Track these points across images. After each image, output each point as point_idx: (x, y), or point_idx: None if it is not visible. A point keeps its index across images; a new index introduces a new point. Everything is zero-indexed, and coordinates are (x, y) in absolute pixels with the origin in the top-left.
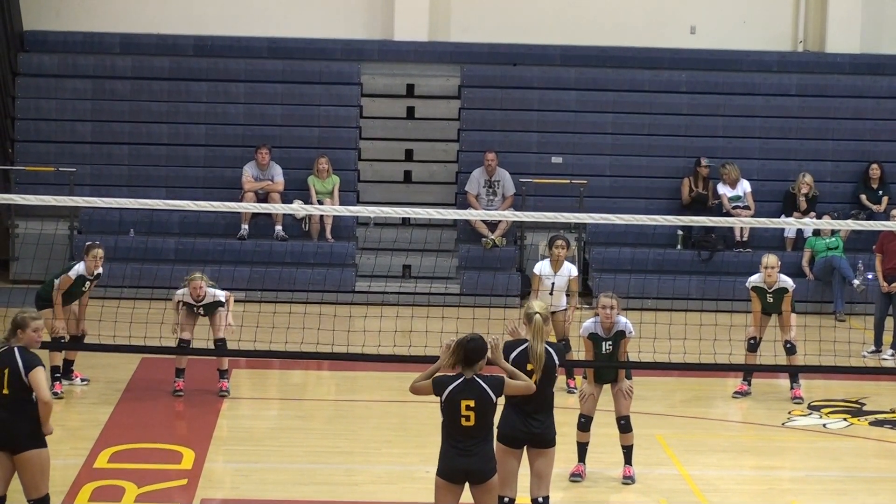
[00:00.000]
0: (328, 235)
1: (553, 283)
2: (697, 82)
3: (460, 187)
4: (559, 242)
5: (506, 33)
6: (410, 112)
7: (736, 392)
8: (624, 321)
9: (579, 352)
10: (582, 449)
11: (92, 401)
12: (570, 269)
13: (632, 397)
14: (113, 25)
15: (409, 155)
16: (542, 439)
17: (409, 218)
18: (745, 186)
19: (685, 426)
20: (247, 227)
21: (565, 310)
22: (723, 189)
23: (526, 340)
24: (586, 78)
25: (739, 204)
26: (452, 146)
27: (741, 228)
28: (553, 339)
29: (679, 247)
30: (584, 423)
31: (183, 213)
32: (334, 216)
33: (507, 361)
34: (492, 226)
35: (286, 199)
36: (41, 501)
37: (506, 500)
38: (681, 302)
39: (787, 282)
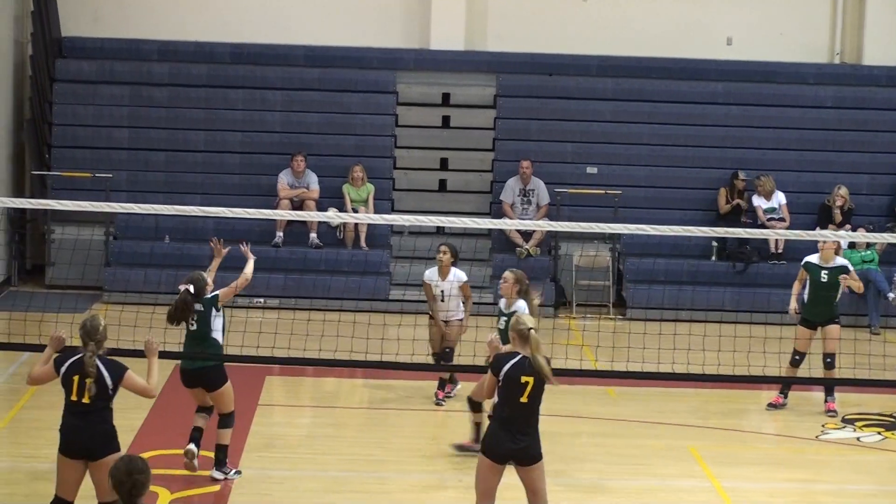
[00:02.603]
0: (363, 243)
1: (442, 291)
2: (734, 94)
3: (495, 196)
4: (442, 248)
5: (542, 43)
6: (446, 121)
7: (770, 404)
8: (523, 304)
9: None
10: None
11: (126, 406)
12: (457, 275)
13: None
14: (151, 32)
15: (444, 164)
16: (529, 454)
17: (443, 227)
18: (780, 198)
19: (718, 438)
20: (282, 234)
21: (460, 319)
22: (758, 201)
23: (517, 353)
24: (622, 88)
25: (774, 216)
26: (487, 155)
27: (776, 241)
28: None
29: (714, 258)
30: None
31: (218, 219)
32: (369, 224)
33: (501, 373)
34: (526, 235)
35: (321, 207)
36: None
37: None
38: (715, 313)
39: (846, 262)
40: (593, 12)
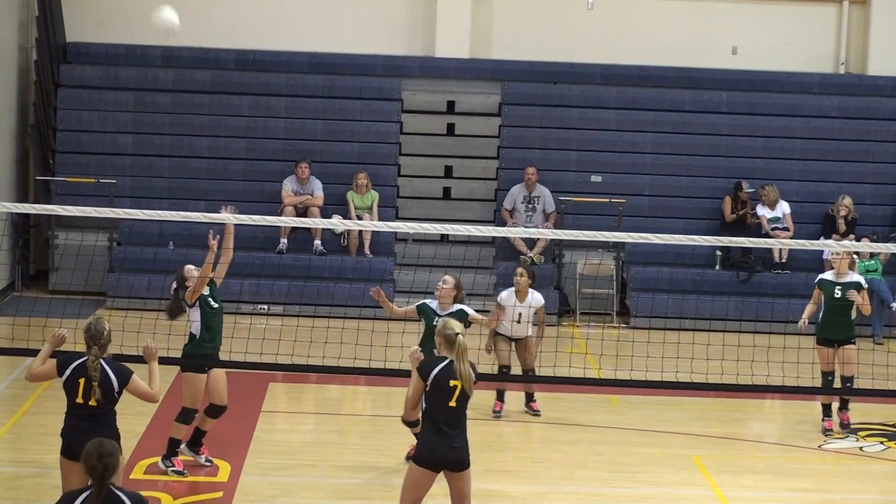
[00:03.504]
0: (367, 251)
1: (520, 314)
2: (738, 103)
3: (499, 205)
4: (519, 270)
5: (547, 51)
6: (451, 129)
7: (826, 429)
8: (463, 305)
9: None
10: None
11: (129, 412)
12: (535, 298)
13: None
14: (155, 38)
15: (448, 171)
16: (462, 462)
17: (447, 234)
18: (784, 208)
19: (721, 447)
20: (286, 241)
21: (530, 335)
22: (762, 210)
23: (445, 358)
24: (626, 97)
25: (778, 225)
26: (492, 163)
27: (780, 250)
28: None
29: (717, 267)
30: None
31: (222, 225)
32: (373, 231)
33: (429, 377)
34: (530, 243)
35: (325, 214)
36: None
37: None
38: (718, 322)
39: (860, 278)
40: (598, 21)
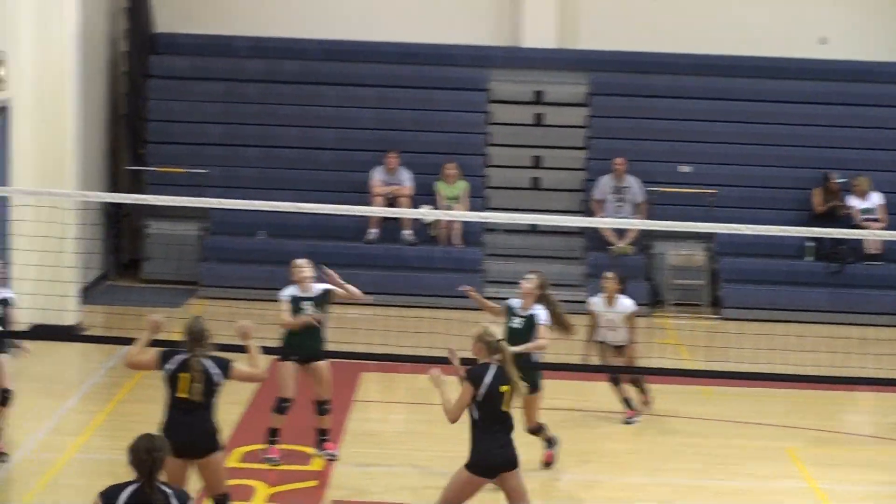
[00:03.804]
0: (456, 241)
1: (611, 319)
2: (828, 92)
3: (588, 195)
4: (608, 274)
5: (635, 41)
6: (538, 119)
7: None
8: (541, 308)
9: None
10: None
11: (225, 401)
12: (624, 304)
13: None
14: (244, 29)
15: (536, 162)
16: (515, 461)
17: (536, 224)
18: (876, 199)
19: (815, 439)
20: (375, 231)
21: (632, 344)
22: (853, 201)
23: (489, 364)
24: (716, 87)
25: (870, 216)
26: (580, 153)
27: (872, 241)
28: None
29: (809, 258)
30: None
31: (312, 216)
32: (462, 222)
33: (482, 386)
34: (620, 233)
35: (414, 204)
36: (225, 498)
37: None
38: (811, 314)
39: None
40: (686, 10)
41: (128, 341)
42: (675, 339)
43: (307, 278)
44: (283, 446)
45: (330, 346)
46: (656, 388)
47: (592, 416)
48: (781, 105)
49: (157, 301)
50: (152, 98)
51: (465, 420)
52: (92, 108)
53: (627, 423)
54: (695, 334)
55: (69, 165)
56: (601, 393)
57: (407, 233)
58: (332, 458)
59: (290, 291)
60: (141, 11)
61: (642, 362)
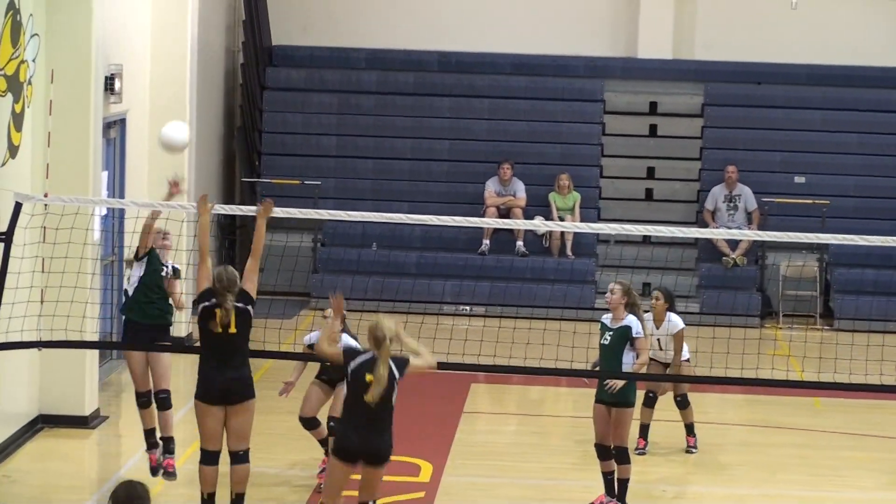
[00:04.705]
0: (569, 252)
1: (658, 340)
2: None
3: (701, 206)
4: (655, 293)
5: (750, 52)
6: (653, 130)
7: None
8: (633, 319)
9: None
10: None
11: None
12: (673, 321)
13: (628, 427)
14: (359, 41)
15: (650, 173)
16: (379, 455)
17: (649, 236)
18: None
19: None
20: (488, 242)
21: (687, 360)
22: None
23: (369, 352)
24: (832, 97)
25: None
26: (694, 164)
27: None
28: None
29: None
30: (601, 452)
31: (425, 227)
32: (575, 233)
33: (350, 367)
34: (733, 244)
35: (528, 215)
36: None
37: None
38: None
39: None
40: (803, 20)
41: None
42: (786, 351)
43: (336, 333)
44: (392, 457)
45: (440, 357)
46: (766, 399)
47: (698, 427)
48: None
49: (269, 312)
50: (268, 110)
51: (575, 432)
52: (208, 120)
53: (639, 452)
54: (807, 346)
55: (185, 178)
56: (707, 404)
57: (520, 244)
58: None
59: (313, 339)
60: (258, 24)
61: (749, 373)
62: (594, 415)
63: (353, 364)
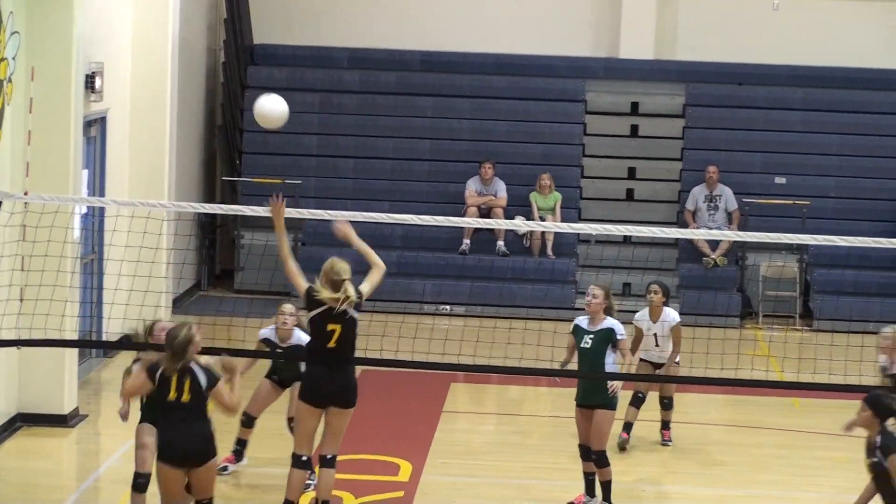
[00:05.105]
0: (549, 252)
1: (655, 334)
2: None
3: (682, 206)
4: (652, 287)
5: (732, 53)
6: (634, 130)
7: None
8: (615, 322)
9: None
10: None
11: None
12: (670, 316)
13: (608, 430)
14: (341, 40)
15: (631, 173)
16: (347, 395)
17: (630, 236)
18: None
19: None
20: (469, 241)
21: (677, 362)
22: None
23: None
24: (813, 98)
25: None
26: (675, 165)
27: None
28: None
29: None
30: (584, 452)
31: (406, 226)
32: (556, 233)
33: (310, 315)
34: (713, 244)
35: (508, 215)
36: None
37: (303, 458)
38: None
39: None
40: (784, 22)
41: (217, 352)
42: (766, 351)
43: (288, 327)
44: (372, 456)
45: (420, 357)
46: (746, 399)
47: (679, 426)
48: (879, 116)
49: (249, 312)
50: (249, 109)
51: (555, 431)
52: (189, 119)
53: (621, 447)
54: (786, 346)
55: (165, 176)
56: (687, 404)
57: (500, 244)
58: None
59: (266, 334)
60: (239, 23)
61: (729, 374)
62: (577, 417)
63: (313, 313)
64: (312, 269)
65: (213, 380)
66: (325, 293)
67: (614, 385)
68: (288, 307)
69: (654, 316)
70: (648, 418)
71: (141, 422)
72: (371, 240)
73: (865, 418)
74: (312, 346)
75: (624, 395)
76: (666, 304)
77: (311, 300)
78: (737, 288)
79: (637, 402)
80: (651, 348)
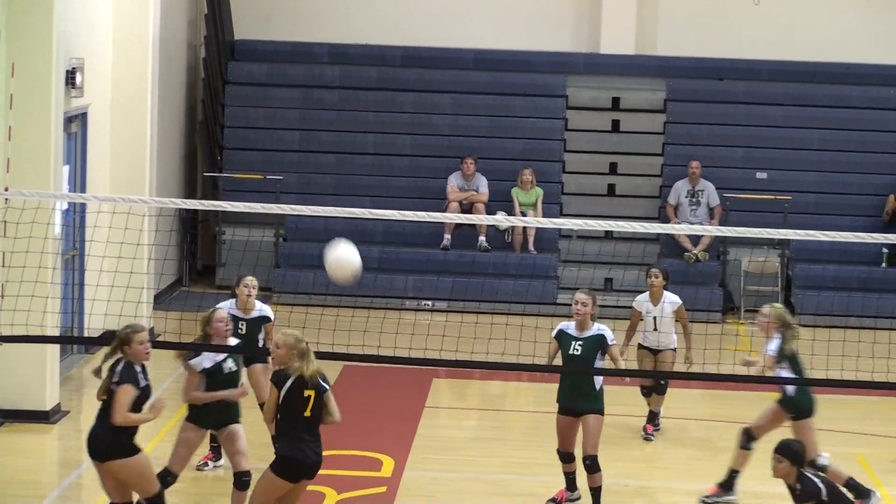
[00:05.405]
0: (531, 247)
1: (655, 318)
2: None
3: (664, 201)
4: (653, 271)
5: (713, 48)
6: (615, 125)
7: None
8: (604, 327)
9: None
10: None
11: None
12: (670, 299)
13: (599, 435)
14: (322, 35)
15: (613, 168)
16: (319, 467)
17: (611, 231)
18: None
19: (887, 446)
20: (450, 237)
21: (674, 349)
22: None
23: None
24: (794, 93)
25: None
26: (657, 160)
27: None
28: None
29: (884, 265)
30: (564, 457)
31: (387, 222)
32: (537, 228)
33: (282, 391)
34: (694, 240)
35: (490, 210)
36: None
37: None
38: (885, 320)
39: None
40: (765, 16)
41: (200, 347)
42: (747, 346)
43: (250, 298)
44: (354, 452)
45: (402, 352)
46: (728, 395)
47: (660, 421)
48: (860, 111)
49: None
50: (230, 104)
51: (536, 427)
52: (169, 114)
53: (646, 438)
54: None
55: (146, 172)
56: (668, 399)
57: (482, 239)
58: None
59: (227, 307)
60: (220, 18)
61: (710, 368)
62: (558, 424)
63: (285, 387)
64: (294, 264)
65: None
66: (295, 363)
67: (626, 381)
68: (250, 279)
69: (655, 300)
70: (624, 413)
71: (187, 420)
72: (352, 235)
73: (783, 469)
74: (285, 421)
75: (632, 391)
76: (666, 287)
77: (279, 379)
78: (718, 283)
79: (661, 389)
80: (649, 331)
